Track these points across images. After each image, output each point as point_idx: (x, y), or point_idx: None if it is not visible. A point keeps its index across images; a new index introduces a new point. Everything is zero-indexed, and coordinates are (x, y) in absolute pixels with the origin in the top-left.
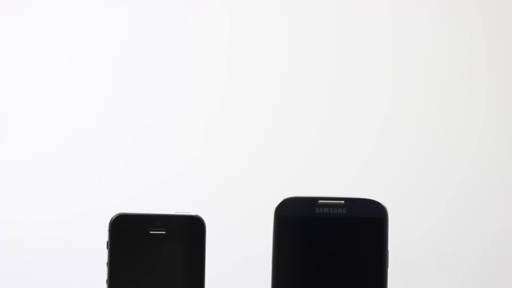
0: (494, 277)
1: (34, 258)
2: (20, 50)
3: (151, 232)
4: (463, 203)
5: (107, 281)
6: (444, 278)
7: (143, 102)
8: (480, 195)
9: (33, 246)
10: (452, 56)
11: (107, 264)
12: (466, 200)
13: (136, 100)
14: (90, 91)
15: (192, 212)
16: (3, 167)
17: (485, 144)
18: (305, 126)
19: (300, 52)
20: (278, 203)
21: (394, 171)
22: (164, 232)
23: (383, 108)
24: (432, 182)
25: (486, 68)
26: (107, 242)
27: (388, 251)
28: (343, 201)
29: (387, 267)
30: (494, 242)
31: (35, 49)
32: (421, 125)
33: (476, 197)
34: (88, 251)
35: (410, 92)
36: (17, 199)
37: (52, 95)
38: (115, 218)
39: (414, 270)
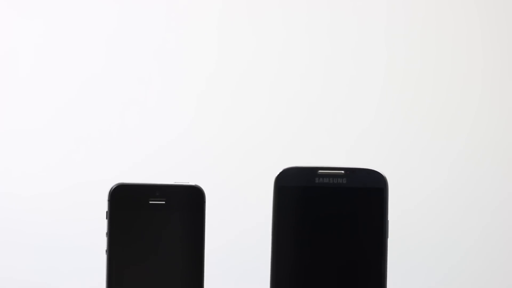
0: (496, 247)
1: (34, 230)
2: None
3: (150, 202)
4: (463, 172)
5: (106, 251)
6: (444, 247)
7: (137, 71)
8: (480, 164)
9: (33, 218)
10: (449, 23)
11: (106, 234)
12: (466, 169)
13: (130, 69)
14: (84, 60)
15: (191, 182)
16: None
17: (485, 112)
18: (303, 96)
19: (297, 21)
20: (277, 173)
21: (393, 140)
22: (164, 202)
23: (380, 77)
24: (432, 151)
25: (483, 38)
26: (107, 212)
27: (388, 221)
28: (343, 171)
29: (387, 237)
30: (496, 211)
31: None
32: (419, 94)
33: (476, 165)
34: (87, 221)
35: (407, 61)
36: (14, 170)
37: (45, 65)
38: (115, 188)
39: (414, 240)
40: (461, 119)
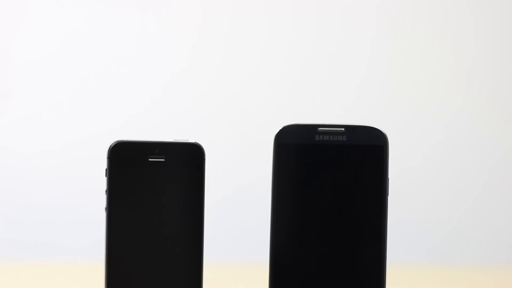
0: (497, 205)
1: (33, 189)
2: None
3: (150, 159)
4: (462, 130)
5: (106, 208)
6: (444, 206)
7: (132, 25)
8: (479, 119)
9: (32, 177)
10: None
11: (106, 191)
12: (465, 125)
13: (124, 23)
14: (77, 13)
15: (191, 139)
16: None
17: (484, 65)
18: (297, 52)
19: None
20: (277, 130)
21: (391, 97)
22: (163, 160)
23: (374, 32)
24: (431, 106)
25: None
26: (106, 169)
27: (388, 178)
28: (343, 129)
29: (387, 195)
30: (496, 167)
31: None
32: (415, 46)
33: (475, 121)
34: (87, 178)
35: (401, 15)
36: (12, 128)
37: (38, 23)
38: (114, 145)
39: (415, 198)
40: (460, 72)
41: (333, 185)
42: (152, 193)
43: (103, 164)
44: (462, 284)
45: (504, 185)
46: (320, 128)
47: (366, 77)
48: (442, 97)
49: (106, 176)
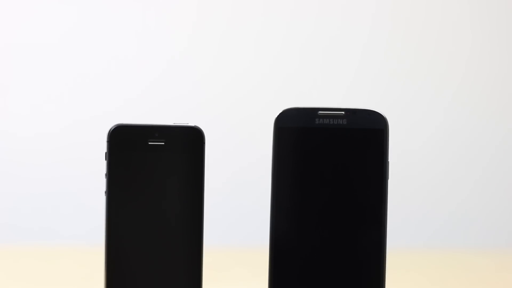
0: (497, 189)
1: (33, 173)
2: None
3: (150, 143)
4: (463, 111)
5: (105, 192)
6: (445, 190)
7: (132, 7)
8: (479, 101)
9: (32, 160)
10: None
11: (105, 175)
12: (465, 107)
13: (126, 7)
14: (77, 2)
15: (191, 123)
16: None
17: (484, 48)
18: (297, 36)
19: None
20: (277, 114)
21: (391, 81)
22: (163, 143)
23: (374, 14)
24: (431, 89)
25: None
26: (106, 153)
27: (388, 162)
28: (343, 112)
29: (388, 178)
30: (497, 151)
31: None
32: (415, 30)
33: (475, 103)
34: (86, 162)
35: None
36: (12, 110)
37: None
38: (114, 129)
39: (415, 181)
40: (459, 52)
41: (333, 169)
42: (152, 176)
43: (103, 147)
44: (463, 268)
45: (505, 169)
46: (320, 112)
47: (366, 60)
48: (442, 80)
49: (105, 159)
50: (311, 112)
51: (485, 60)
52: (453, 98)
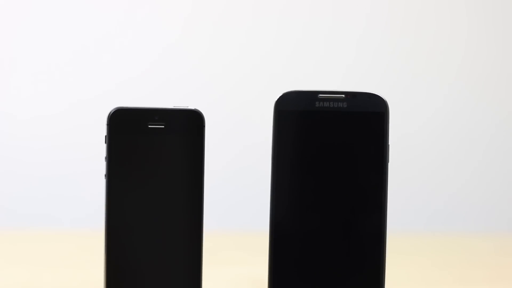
0: (498, 171)
1: (32, 157)
2: None
3: (149, 126)
4: (463, 94)
5: (105, 175)
6: (444, 173)
7: None
8: (479, 83)
9: (32, 144)
10: None
11: (105, 158)
12: (465, 90)
13: None
14: None
15: (191, 106)
16: None
17: (483, 29)
18: (297, 18)
19: None
20: (277, 97)
21: (391, 63)
22: (163, 126)
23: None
24: (431, 72)
25: None
26: (105, 136)
27: (388, 145)
28: (343, 95)
29: (388, 161)
30: (497, 134)
31: None
32: (414, 12)
33: (475, 85)
34: (85, 145)
35: None
36: (11, 93)
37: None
38: (114, 112)
39: (414, 165)
40: (457, 39)
41: (333, 152)
42: (152, 159)
43: (102, 130)
44: (463, 251)
45: (505, 152)
46: (320, 95)
47: (366, 43)
48: (442, 62)
49: (105, 143)
50: (311, 95)
51: (485, 42)
52: (454, 81)
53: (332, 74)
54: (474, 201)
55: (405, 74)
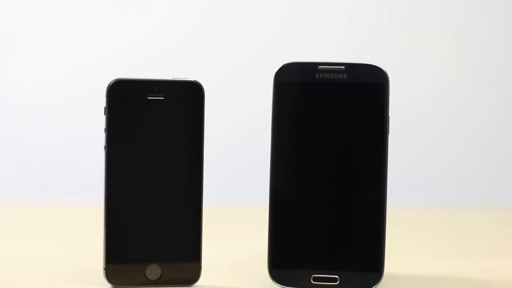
0: (497, 142)
1: (32, 129)
2: None
3: (149, 98)
4: (461, 64)
5: (105, 147)
6: (444, 142)
7: None
8: (478, 53)
9: (31, 116)
10: None
11: (105, 130)
12: (462, 60)
13: None
14: None
15: (190, 77)
16: None
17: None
18: None
19: None
20: (277, 68)
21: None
22: (162, 98)
23: None
24: (430, 42)
25: None
26: (105, 108)
27: (389, 117)
28: (343, 66)
29: (388, 133)
30: (497, 104)
31: None
32: None
33: (473, 55)
34: (86, 115)
35: None
36: (13, 62)
37: None
38: (113, 83)
39: (413, 136)
40: (453, 4)
41: (333, 123)
42: (151, 131)
43: (100, 99)
44: (463, 224)
45: (505, 122)
46: (320, 66)
47: (363, 13)
48: (440, 31)
49: (105, 114)
50: (311, 67)
51: (484, 9)
52: (452, 51)
53: (331, 45)
54: (473, 173)
55: (402, 43)
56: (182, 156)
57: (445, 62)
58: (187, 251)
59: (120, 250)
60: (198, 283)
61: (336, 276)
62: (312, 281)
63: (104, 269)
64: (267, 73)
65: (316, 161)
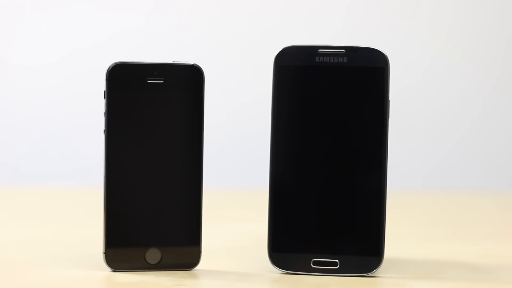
0: (497, 126)
1: (31, 114)
2: None
3: (149, 81)
4: (461, 46)
5: (104, 131)
6: (444, 125)
7: None
8: (479, 36)
9: (30, 99)
10: None
11: (104, 114)
12: (463, 41)
13: None
14: None
15: (190, 61)
16: None
17: None
18: None
19: None
20: (277, 52)
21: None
22: (162, 81)
23: None
24: (429, 25)
25: None
26: (104, 91)
27: (389, 100)
28: (344, 50)
29: (388, 116)
30: (497, 86)
31: None
32: None
33: (473, 37)
34: (86, 98)
35: None
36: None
37: None
38: (113, 67)
39: (414, 119)
40: None
41: (333, 107)
42: (151, 115)
43: (98, 82)
44: (462, 208)
45: (505, 106)
46: (320, 50)
47: None
48: (441, 14)
49: (104, 98)
50: (311, 50)
51: None
52: (450, 32)
53: (330, 28)
54: (473, 158)
55: (401, 26)
56: (182, 139)
57: (443, 46)
58: (187, 235)
59: (120, 234)
60: (198, 267)
61: (336, 260)
62: (312, 265)
63: (104, 253)
64: (267, 57)
65: (316, 145)
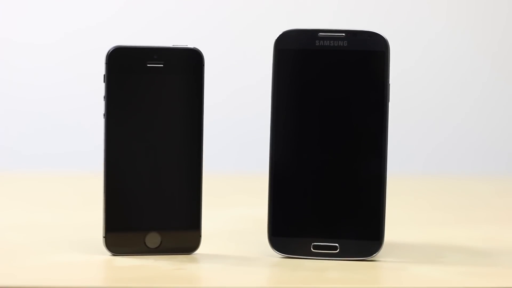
0: (496, 110)
1: (32, 96)
2: None
3: (148, 65)
4: (459, 30)
5: (104, 114)
6: (444, 109)
7: None
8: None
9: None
10: None
11: (104, 98)
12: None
13: None
14: None
15: (190, 44)
16: None
17: None
18: None
19: None
20: (277, 35)
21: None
22: (162, 65)
23: None
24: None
25: None
26: (104, 75)
27: (389, 84)
28: (344, 34)
29: (388, 100)
30: (497, 71)
31: None
32: None
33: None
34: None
35: None
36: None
37: None
38: (112, 51)
39: (414, 102)
40: None
41: (333, 91)
42: (151, 98)
43: (99, 66)
44: (462, 193)
45: (504, 90)
46: (320, 33)
47: None
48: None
49: (104, 82)
50: (311, 34)
51: None
52: (450, 15)
53: (332, 12)
54: (472, 142)
55: (401, 9)
56: (181, 123)
57: (442, 31)
58: (186, 219)
59: (120, 218)
60: (197, 251)
61: (336, 244)
62: (312, 249)
63: (103, 237)
64: (267, 40)
65: (316, 129)
